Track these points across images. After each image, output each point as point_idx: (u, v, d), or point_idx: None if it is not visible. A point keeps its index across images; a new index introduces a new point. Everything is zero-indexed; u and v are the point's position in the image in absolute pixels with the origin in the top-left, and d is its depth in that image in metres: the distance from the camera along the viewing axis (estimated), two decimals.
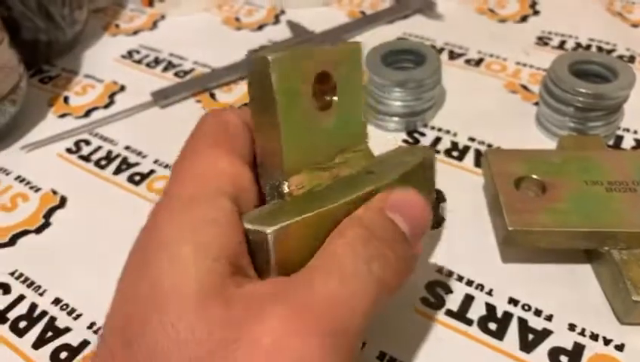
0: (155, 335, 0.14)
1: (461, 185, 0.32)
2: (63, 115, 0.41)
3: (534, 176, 0.28)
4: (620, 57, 0.42)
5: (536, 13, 0.49)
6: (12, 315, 0.28)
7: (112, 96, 0.43)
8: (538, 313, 0.26)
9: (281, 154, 0.18)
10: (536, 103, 0.38)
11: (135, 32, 0.51)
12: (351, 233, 0.17)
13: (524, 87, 0.40)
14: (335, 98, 0.19)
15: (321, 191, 0.19)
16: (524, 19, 0.48)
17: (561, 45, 0.44)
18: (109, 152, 0.37)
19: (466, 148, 0.35)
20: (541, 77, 0.40)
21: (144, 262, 0.16)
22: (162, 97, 0.41)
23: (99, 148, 0.38)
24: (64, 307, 0.28)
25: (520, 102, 0.39)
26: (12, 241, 0.32)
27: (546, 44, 0.45)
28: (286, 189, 0.18)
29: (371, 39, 0.44)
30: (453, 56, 0.44)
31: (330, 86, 0.19)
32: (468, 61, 0.43)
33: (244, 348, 0.14)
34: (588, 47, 0.44)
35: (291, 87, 0.17)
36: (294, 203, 0.18)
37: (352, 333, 0.16)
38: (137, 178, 0.35)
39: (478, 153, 0.35)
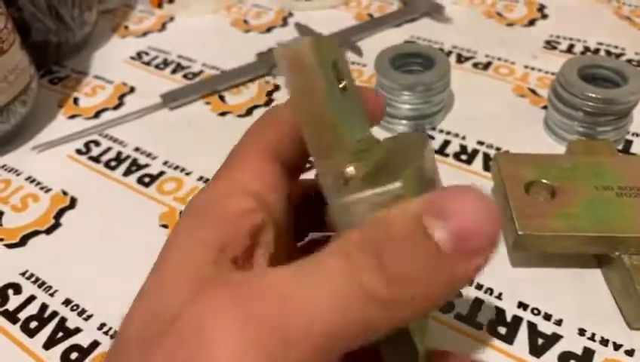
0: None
1: None
2: (72, 116, 0.42)
3: (544, 181, 0.28)
4: (629, 61, 0.42)
5: (544, 17, 0.49)
6: (23, 315, 0.28)
7: (121, 97, 0.43)
8: (548, 317, 0.26)
9: (336, 134, 0.17)
10: (545, 107, 0.38)
11: (144, 34, 0.51)
12: (357, 234, 0.14)
13: (533, 91, 0.40)
14: (345, 83, 0.19)
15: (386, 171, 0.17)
16: (532, 22, 0.48)
17: (570, 49, 0.44)
18: (119, 153, 0.38)
19: (475, 152, 0.35)
20: (549, 81, 0.41)
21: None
22: (171, 99, 0.41)
23: (109, 149, 0.38)
24: (74, 308, 0.28)
25: (528, 106, 0.39)
26: (23, 242, 0.32)
27: (555, 47, 0.45)
28: (353, 171, 0.16)
29: (380, 42, 0.45)
30: (461, 59, 0.44)
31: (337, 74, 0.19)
32: (476, 64, 0.43)
33: (177, 324, 0.13)
34: (596, 51, 0.44)
35: (326, 71, 0.17)
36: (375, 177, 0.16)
37: (303, 346, 0.13)
38: (147, 179, 0.35)
39: (486, 157, 0.35)
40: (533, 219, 0.26)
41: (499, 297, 0.27)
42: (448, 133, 0.37)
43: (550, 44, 0.45)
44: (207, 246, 0.15)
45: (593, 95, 0.33)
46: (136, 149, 0.38)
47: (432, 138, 0.37)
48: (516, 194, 0.27)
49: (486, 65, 0.43)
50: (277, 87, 0.42)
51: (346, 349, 0.13)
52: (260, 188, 0.17)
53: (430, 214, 0.13)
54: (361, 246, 0.13)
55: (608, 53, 0.44)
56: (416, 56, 0.38)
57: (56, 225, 0.33)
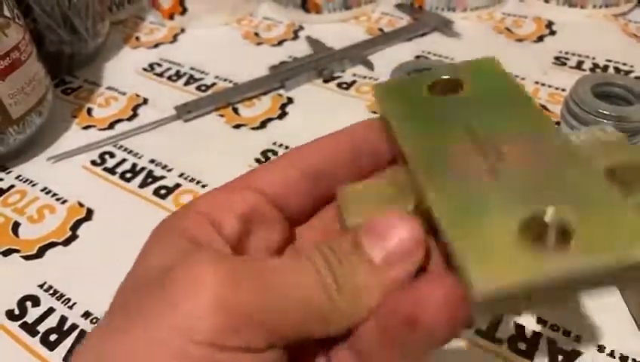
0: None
1: None
2: (86, 127, 0.42)
3: None
4: (638, 78, 0.43)
5: (552, 33, 0.49)
6: (42, 328, 0.28)
7: (135, 108, 0.43)
8: (567, 333, 0.26)
9: None
10: (557, 123, 0.38)
11: (156, 45, 0.51)
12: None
13: (544, 107, 0.41)
14: None
15: None
16: (540, 38, 0.49)
17: (579, 65, 0.45)
18: (134, 165, 0.38)
19: None
20: (560, 97, 0.41)
21: None
22: (185, 111, 0.41)
23: (124, 160, 0.38)
24: (94, 320, 0.28)
25: None
26: (40, 253, 0.32)
27: (564, 64, 0.45)
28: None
29: (391, 56, 0.45)
30: None
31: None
32: None
33: (159, 280, 0.15)
34: (605, 67, 0.45)
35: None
36: None
37: (265, 327, 0.14)
38: (163, 191, 0.36)
39: None
40: None
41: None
42: None
43: (559, 60, 0.46)
44: (204, 212, 0.17)
45: (607, 112, 0.33)
46: (152, 161, 0.38)
47: None
48: None
49: None
50: (290, 100, 0.43)
51: (305, 335, 0.15)
52: (272, 188, 0.18)
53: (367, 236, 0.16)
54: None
55: (617, 70, 0.44)
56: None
57: (73, 237, 0.33)
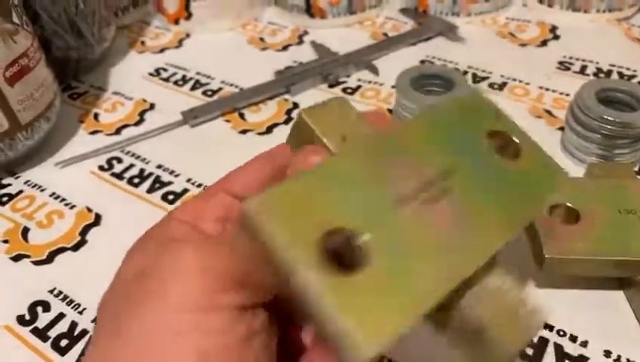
0: None
1: None
2: (94, 132, 0.42)
3: (568, 204, 0.29)
4: None
5: (556, 37, 0.50)
6: (53, 333, 0.29)
7: (142, 113, 0.43)
8: (573, 339, 0.27)
9: None
10: (561, 128, 0.38)
11: (161, 50, 0.51)
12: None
13: (549, 112, 0.41)
14: None
15: None
16: (544, 43, 0.49)
17: (583, 70, 0.45)
18: (142, 170, 0.38)
19: None
20: (565, 102, 0.41)
21: None
22: (192, 117, 0.42)
23: (131, 166, 0.39)
24: None
25: (545, 127, 0.39)
26: (50, 258, 0.33)
27: (568, 68, 0.46)
28: None
29: (395, 61, 0.45)
30: (476, 79, 0.45)
31: None
32: (492, 85, 0.44)
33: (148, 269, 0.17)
34: (609, 72, 0.45)
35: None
36: None
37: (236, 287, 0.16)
38: (171, 197, 0.36)
39: None
40: (560, 242, 0.27)
41: None
42: None
43: (563, 65, 0.46)
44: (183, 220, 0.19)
45: (611, 118, 0.34)
46: (159, 166, 0.38)
47: None
48: (541, 216, 0.28)
49: (501, 86, 0.44)
50: (296, 105, 0.43)
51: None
52: (246, 189, 0.20)
53: None
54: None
55: (621, 75, 0.44)
56: (436, 77, 0.38)
57: (82, 242, 0.33)
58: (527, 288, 0.17)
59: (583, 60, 0.46)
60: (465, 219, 0.17)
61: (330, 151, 0.20)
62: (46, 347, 0.28)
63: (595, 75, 0.45)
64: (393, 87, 0.41)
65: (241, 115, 0.42)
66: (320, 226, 0.15)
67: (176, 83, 0.47)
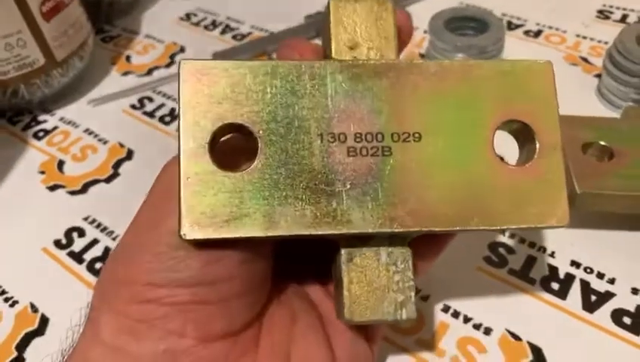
0: None
1: None
2: (125, 73, 0.42)
3: (602, 143, 0.28)
4: None
5: None
6: (88, 256, 0.30)
7: (172, 56, 0.44)
8: (601, 276, 0.26)
9: None
10: (598, 75, 0.37)
11: None
12: None
13: (585, 60, 0.40)
14: None
15: None
16: None
17: (623, 19, 0.44)
18: (172, 110, 0.39)
19: None
20: (602, 49, 0.40)
21: None
22: (222, 59, 0.42)
23: (162, 105, 0.39)
24: None
25: (581, 75, 0.38)
26: (84, 189, 0.34)
27: (607, 17, 0.44)
28: None
29: (428, 8, 0.44)
30: (511, 26, 0.43)
31: None
32: (527, 32, 0.43)
33: None
34: None
35: None
36: None
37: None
38: None
39: None
40: (592, 178, 0.26)
41: (552, 255, 0.27)
42: None
43: (603, 14, 0.44)
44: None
45: None
46: None
47: None
48: (574, 154, 0.27)
49: (537, 34, 0.43)
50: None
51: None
52: None
53: None
54: None
55: None
56: (471, 20, 0.38)
57: (115, 175, 0.34)
58: (413, 282, 0.17)
59: (624, 9, 0.45)
60: (371, 189, 0.16)
61: (331, 55, 0.18)
62: (81, 268, 0.29)
63: (637, 23, 0.43)
64: (425, 31, 0.41)
65: (271, 59, 0.42)
66: (230, 116, 0.16)
67: (206, 27, 0.47)
